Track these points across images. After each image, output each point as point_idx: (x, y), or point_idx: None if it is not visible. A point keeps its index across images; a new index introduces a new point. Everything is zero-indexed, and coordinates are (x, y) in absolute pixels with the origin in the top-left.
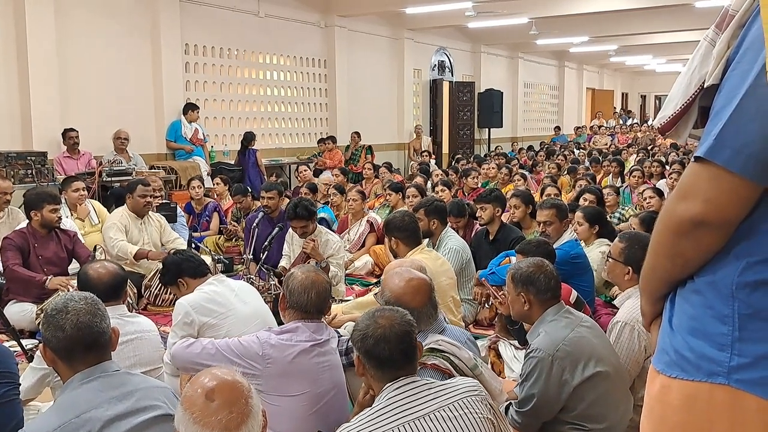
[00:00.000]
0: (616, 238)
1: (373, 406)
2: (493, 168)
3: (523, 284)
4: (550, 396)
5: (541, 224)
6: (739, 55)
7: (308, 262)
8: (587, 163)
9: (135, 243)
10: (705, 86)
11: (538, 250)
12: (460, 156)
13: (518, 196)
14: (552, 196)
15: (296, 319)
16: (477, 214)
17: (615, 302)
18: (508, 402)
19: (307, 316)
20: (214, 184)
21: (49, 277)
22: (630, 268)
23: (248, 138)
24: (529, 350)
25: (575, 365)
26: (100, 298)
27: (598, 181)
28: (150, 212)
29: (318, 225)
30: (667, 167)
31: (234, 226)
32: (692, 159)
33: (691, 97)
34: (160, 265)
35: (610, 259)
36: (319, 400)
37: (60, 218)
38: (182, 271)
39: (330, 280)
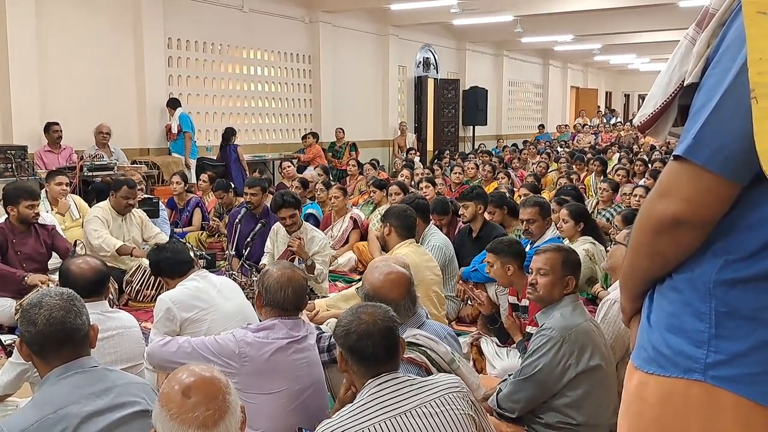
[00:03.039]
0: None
1: (354, 402)
2: (472, 168)
3: (573, 270)
4: (552, 374)
5: (524, 222)
6: (719, 54)
7: (294, 260)
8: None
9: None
10: (685, 84)
11: (510, 249)
12: (445, 155)
13: (491, 203)
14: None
15: (273, 316)
16: (459, 212)
17: (609, 288)
18: (499, 384)
19: (284, 313)
20: (199, 181)
21: (28, 274)
22: None
23: (228, 133)
24: (542, 328)
25: (582, 353)
26: (82, 293)
27: (581, 179)
28: None
29: (304, 222)
30: (650, 166)
31: (216, 222)
32: (671, 158)
33: (670, 95)
34: (142, 261)
35: (614, 243)
36: (297, 397)
37: (37, 214)
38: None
39: (307, 276)
